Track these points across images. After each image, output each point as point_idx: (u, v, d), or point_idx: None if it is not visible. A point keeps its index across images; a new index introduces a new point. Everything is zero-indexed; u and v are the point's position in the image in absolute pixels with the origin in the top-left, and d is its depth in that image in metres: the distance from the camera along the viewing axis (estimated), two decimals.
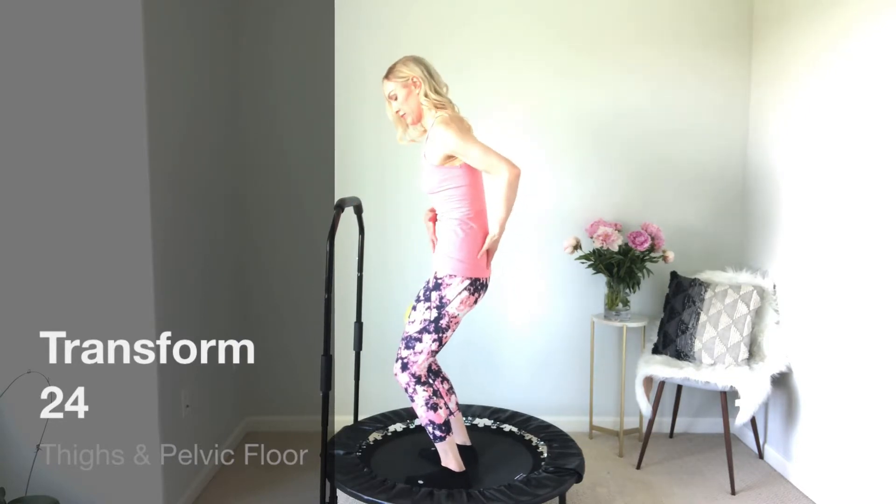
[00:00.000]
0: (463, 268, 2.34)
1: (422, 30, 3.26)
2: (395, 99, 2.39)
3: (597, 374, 3.45)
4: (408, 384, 2.41)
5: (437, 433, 2.42)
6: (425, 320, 2.37)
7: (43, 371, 2.32)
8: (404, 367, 2.40)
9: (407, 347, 2.40)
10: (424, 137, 2.43)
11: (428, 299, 2.37)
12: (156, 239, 2.35)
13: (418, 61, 2.38)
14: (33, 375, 2.31)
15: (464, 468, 2.48)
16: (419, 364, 2.40)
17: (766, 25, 3.16)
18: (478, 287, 2.38)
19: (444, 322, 2.36)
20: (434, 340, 2.37)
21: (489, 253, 2.39)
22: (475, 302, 2.39)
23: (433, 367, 2.64)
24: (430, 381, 2.50)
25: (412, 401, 2.42)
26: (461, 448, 2.60)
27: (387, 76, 2.41)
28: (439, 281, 2.36)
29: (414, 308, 2.42)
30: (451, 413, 2.62)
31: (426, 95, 2.35)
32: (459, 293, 2.34)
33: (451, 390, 2.66)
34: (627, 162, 3.37)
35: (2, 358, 2.33)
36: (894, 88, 2.27)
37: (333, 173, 3.35)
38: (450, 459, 2.45)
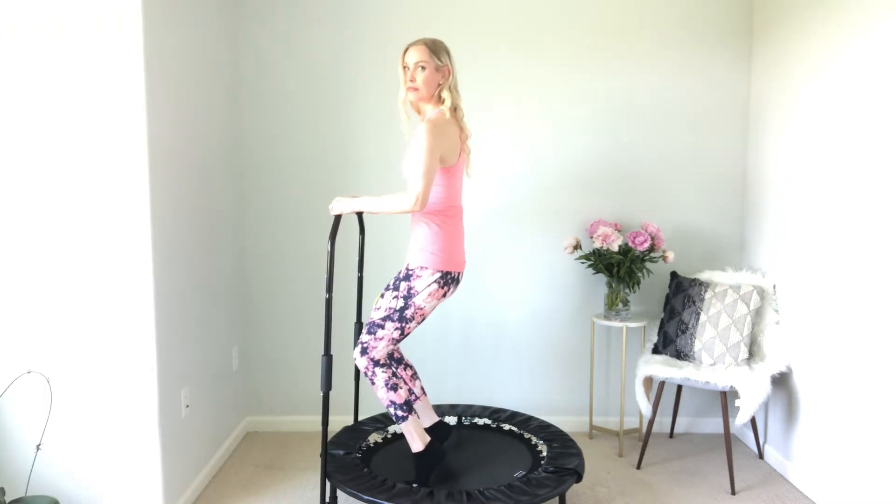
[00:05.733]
0: (435, 260, 2.36)
1: (419, 23, 3.25)
2: (421, 69, 2.34)
3: (597, 374, 3.45)
4: (367, 368, 2.42)
5: (399, 413, 2.43)
6: (391, 308, 2.39)
7: (43, 371, 2.33)
8: (363, 351, 2.42)
9: (369, 333, 2.42)
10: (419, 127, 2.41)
11: (396, 288, 2.40)
12: (156, 238, 2.35)
13: (451, 54, 2.41)
14: (33, 375, 2.32)
15: (428, 439, 2.48)
16: (379, 350, 2.41)
17: (766, 24, 3.16)
18: (448, 281, 2.40)
19: (409, 312, 2.37)
20: (396, 329, 2.39)
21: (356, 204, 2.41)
22: (444, 295, 2.41)
23: (395, 354, 2.66)
24: (393, 366, 2.53)
25: (372, 384, 2.43)
26: (434, 425, 2.66)
27: (423, 45, 2.34)
28: (410, 272, 2.39)
29: (382, 296, 2.43)
30: (416, 398, 2.66)
31: (450, 90, 2.37)
32: (429, 285, 2.35)
33: (414, 376, 2.69)
34: (627, 161, 3.37)
35: (2, 358, 2.34)
36: (894, 88, 2.27)
37: (335, 173, 3.36)
38: (414, 439, 2.46)
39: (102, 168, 2.28)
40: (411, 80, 2.36)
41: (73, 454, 2.37)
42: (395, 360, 2.64)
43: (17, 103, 2.26)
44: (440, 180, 2.35)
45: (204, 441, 2.84)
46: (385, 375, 2.41)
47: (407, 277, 2.38)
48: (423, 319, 2.44)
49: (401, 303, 2.37)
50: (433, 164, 2.23)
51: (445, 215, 2.39)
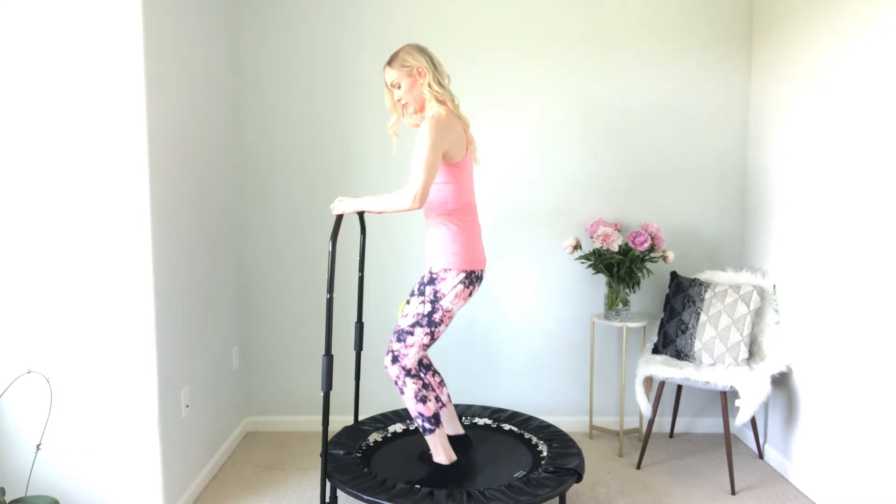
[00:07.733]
0: (458, 261, 2.35)
1: (420, 22, 3.26)
2: (398, 87, 2.37)
3: (597, 374, 3.45)
4: (398, 377, 2.42)
5: (427, 425, 2.43)
6: (419, 314, 2.38)
7: (43, 371, 2.33)
8: (395, 359, 2.41)
9: (398, 341, 2.41)
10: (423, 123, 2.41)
11: (422, 294, 2.39)
12: (156, 238, 2.35)
13: (422, 51, 2.37)
14: (33, 375, 2.32)
15: (455, 458, 2.48)
16: (410, 357, 2.41)
17: (767, 23, 3.16)
18: (472, 279, 2.39)
19: (437, 316, 2.37)
20: (426, 334, 2.38)
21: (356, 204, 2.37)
22: (470, 295, 2.40)
23: (424, 361, 2.65)
24: (421, 374, 2.51)
25: (402, 393, 2.43)
26: (457, 438, 2.63)
27: (389, 64, 2.38)
28: (434, 276, 2.38)
29: (408, 302, 2.42)
30: (442, 405, 2.65)
31: (430, 86, 2.34)
32: (454, 287, 2.35)
33: (442, 383, 2.68)
34: (627, 162, 3.37)
35: (2, 358, 2.34)
36: (894, 86, 2.27)
37: (335, 173, 3.36)
38: (439, 452, 2.46)
39: (102, 168, 2.28)
40: (398, 100, 2.40)
41: (73, 454, 2.37)
42: (423, 367, 2.62)
43: (18, 104, 2.25)
44: (450, 178, 2.33)
45: (204, 441, 2.84)
46: (415, 387, 2.41)
47: (432, 281, 2.37)
48: (450, 321, 2.43)
49: (428, 307, 2.36)
50: (435, 161, 2.20)
51: (462, 213, 2.38)
